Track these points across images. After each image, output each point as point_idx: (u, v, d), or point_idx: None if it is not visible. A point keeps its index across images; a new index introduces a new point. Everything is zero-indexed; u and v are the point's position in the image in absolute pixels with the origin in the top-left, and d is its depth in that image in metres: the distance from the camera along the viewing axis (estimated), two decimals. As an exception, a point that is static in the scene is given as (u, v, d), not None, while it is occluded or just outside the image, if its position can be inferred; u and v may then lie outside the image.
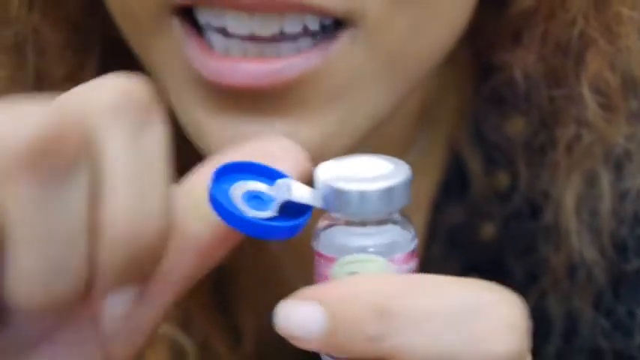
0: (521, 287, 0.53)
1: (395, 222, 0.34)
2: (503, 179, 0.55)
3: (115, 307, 0.32)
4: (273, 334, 0.60)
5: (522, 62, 0.51)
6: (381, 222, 0.34)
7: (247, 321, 0.60)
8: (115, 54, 0.51)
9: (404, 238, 0.34)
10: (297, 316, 0.33)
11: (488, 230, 0.55)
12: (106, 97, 0.31)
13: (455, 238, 0.56)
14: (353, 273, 0.33)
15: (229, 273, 0.60)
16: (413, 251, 0.34)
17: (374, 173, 0.34)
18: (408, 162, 0.54)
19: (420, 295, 0.32)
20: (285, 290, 0.58)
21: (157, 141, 0.32)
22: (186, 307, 0.57)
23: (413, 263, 0.34)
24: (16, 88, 0.51)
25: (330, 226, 0.34)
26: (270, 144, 0.35)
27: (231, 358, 0.59)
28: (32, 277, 0.30)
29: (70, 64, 0.51)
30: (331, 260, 0.34)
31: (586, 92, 0.51)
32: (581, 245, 0.52)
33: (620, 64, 0.51)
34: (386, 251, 0.33)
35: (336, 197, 0.33)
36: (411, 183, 0.34)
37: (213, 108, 0.45)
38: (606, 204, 0.52)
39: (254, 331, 0.60)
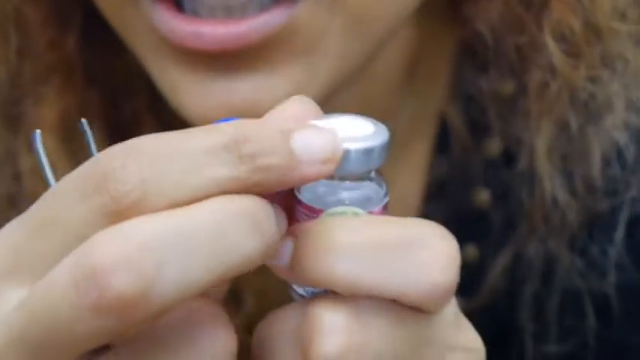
0: (502, 233, 0.56)
1: (370, 179, 0.37)
2: (493, 146, 0.57)
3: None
4: (275, 295, 0.62)
5: (487, 13, 0.53)
6: (358, 178, 0.36)
7: (249, 283, 0.62)
8: (95, 27, 0.53)
9: (377, 194, 0.37)
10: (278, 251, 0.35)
11: (482, 197, 0.57)
12: None
13: (448, 198, 0.58)
14: None
15: None
16: (384, 206, 0.37)
17: (356, 133, 0.36)
18: (398, 126, 0.57)
19: (366, 229, 0.35)
20: None
21: None
22: None
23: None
24: None
25: None
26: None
27: (232, 320, 0.62)
28: None
29: (50, 38, 0.54)
30: (317, 212, 0.36)
31: (549, 39, 0.52)
32: (554, 188, 0.54)
33: (582, 10, 0.53)
34: (360, 205, 0.36)
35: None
36: (390, 145, 0.36)
37: (184, 70, 0.47)
38: (576, 147, 0.54)
39: (255, 293, 0.62)
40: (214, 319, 0.35)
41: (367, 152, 0.35)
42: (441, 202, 0.58)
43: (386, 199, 0.37)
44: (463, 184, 0.57)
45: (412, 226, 0.35)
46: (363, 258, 0.34)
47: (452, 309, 0.37)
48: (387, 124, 0.56)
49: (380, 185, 0.37)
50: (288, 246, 0.35)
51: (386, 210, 0.37)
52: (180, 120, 0.52)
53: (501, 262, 0.56)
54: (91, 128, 0.56)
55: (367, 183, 0.37)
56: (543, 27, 0.52)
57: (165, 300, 0.31)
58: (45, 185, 0.57)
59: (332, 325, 0.34)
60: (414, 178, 0.58)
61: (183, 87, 0.48)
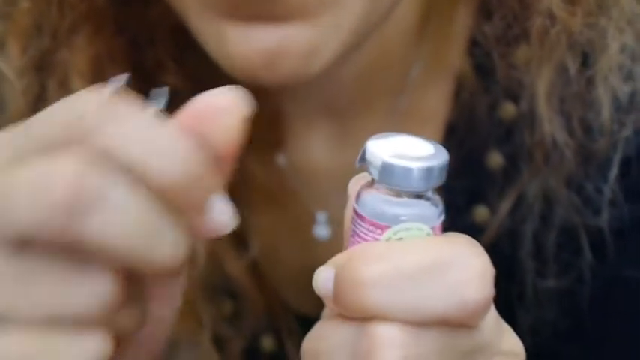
0: (505, 176, 0.58)
1: (427, 198, 0.38)
2: (497, 90, 0.59)
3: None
4: (279, 239, 0.65)
5: None
6: (416, 196, 0.38)
7: (255, 229, 0.65)
8: None
9: (433, 213, 0.38)
10: (319, 277, 0.39)
11: (495, 159, 0.60)
12: None
13: (461, 142, 0.60)
14: (400, 239, 0.38)
15: (237, 187, 0.65)
16: (441, 224, 0.39)
17: (417, 153, 0.38)
18: (413, 76, 0.59)
19: (398, 256, 0.37)
20: (290, 204, 0.63)
21: None
22: None
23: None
24: (34, 9, 0.57)
25: (369, 191, 0.39)
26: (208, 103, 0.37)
27: (237, 263, 0.64)
28: None
29: None
30: (382, 227, 0.38)
31: None
32: (553, 129, 0.56)
33: None
34: (416, 221, 0.38)
35: (385, 169, 0.38)
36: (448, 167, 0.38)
37: (225, 18, 0.50)
38: (573, 90, 0.56)
39: (259, 238, 0.65)
40: None
41: (428, 171, 0.37)
42: (454, 148, 0.60)
43: (442, 218, 0.39)
44: (473, 129, 0.60)
45: (442, 247, 0.37)
46: (396, 287, 0.36)
47: (492, 315, 0.39)
48: (402, 78, 0.60)
49: (436, 204, 0.39)
50: (331, 276, 0.38)
51: (441, 229, 0.39)
52: (200, 67, 0.55)
53: (506, 202, 0.58)
54: (116, 73, 0.59)
55: (424, 201, 0.38)
56: None
57: None
58: None
59: (390, 340, 0.36)
60: (433, 129, 0.61)
61: (229, 36, 0.50)
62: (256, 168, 0.63)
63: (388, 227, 0.38)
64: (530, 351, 0.41)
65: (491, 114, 0.59)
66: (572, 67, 0.56)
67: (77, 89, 0.58)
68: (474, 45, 0.59)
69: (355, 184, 0.40)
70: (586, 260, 0.57)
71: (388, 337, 0.36)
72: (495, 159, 0.59)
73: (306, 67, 0.50)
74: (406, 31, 0.60)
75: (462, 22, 0.60)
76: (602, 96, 0.56)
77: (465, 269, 0.37)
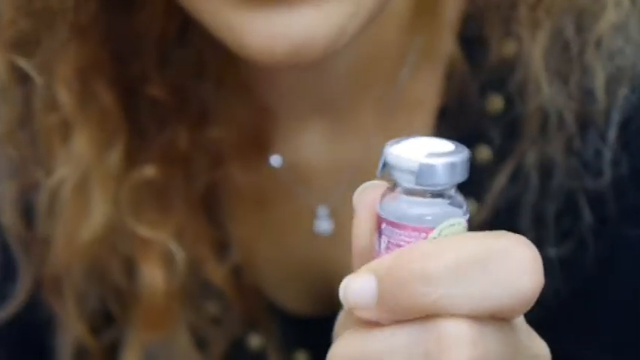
0: (508, 139, 0.58)
1: (450, 197, 0.38)
2: (493, 59, 0.58)
3: None
4: (261, 248, 0.65)
5: None
6: (438, 194, 0.38)
7: (236, 235, 0.65)
8: None
9: (464, 206, 0.38)
10: (355, 287, 0.38)
11: (493, 104, 0.59)
12: None
13: (460, 112, 0.60)
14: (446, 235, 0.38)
15: (223, 188, 0.65)
16: (467, 222, 0.38)
17: (438, 150, 0.38)
18: (407, 64, 0.59)
19: (450, 250, 0.37)
20: (285, 203, 0.63)
21: None
22: (179, 218, 0.62)
23: None
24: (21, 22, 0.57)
25: (399, 197, 0.39)
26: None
27: (218, 269, 0.64)
28: None
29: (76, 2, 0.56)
30: (426, 231, 0.38)
31: None
32: (552, 94, 0.56)
33: None
34: (440, 220, 0.38)
35: (424, 171, 0.37)
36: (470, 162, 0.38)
37: (246, 9, 0.49)
38: (570, 53, 0.56)
39: (242, 246, 0.65)
40: None
41: (452, 166, 0.37)
42: (453, 119, 0.60)
43: (467, 216, 0.38)
44: (469, 101, 0.59)
45: (492, 239, 0.37)
46: (457, 280, 0.36)
47: (521, 318, 0.39)
48: (396, 67, 0.59)
49: (460, 203, 0.38)
50: (373, 284, 0.37)
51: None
52: (183, 79, 0.54)
53: (507, 168, 0.58)
54: (101, 84, 0.59)
55: (453, 196, 0.38)
56: None
57: None
58: (62, 141, 0.61)
59: (460, 337, 0.36)
60: (427, 116, 0.61)
61: (246, 26, 0.49)
62: (240, 173, 0.63)
63: (432, 229, 0.38)
64: (535, 322, 0.41)
65: (484, 92, 0.59)
66: (569, 30, 0.56)
67: (62, 102, 0.59)
68: (467, 20, 0.59)
69: (363, 194, 0.40)
70: (587, 224, 0.57)
71: (458, 334, 0.36)
72: (493, 104, 0.59)
73: (329, 50, 0.49)
74: (399, 22, 0.59)
75: (453, 6, 0.59)
76: (600, 58, 0.55)
77: (519, 259, 0.37)
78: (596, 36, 0.56)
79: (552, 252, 0.57)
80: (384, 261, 0.37)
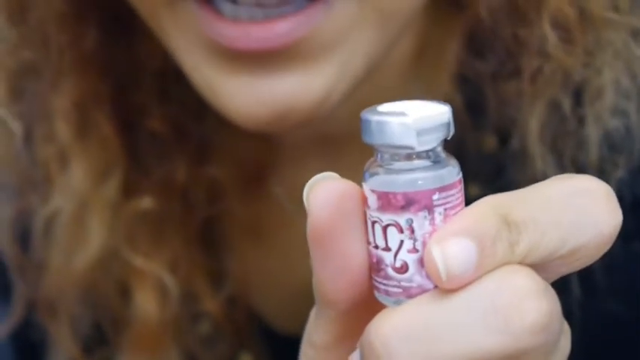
0: None
1: (438, 157, 0.35)
2: (489, 126, 0.58)
3: None
4: (258, 277, 0.65)
5: (488, 0, 0.55)
6: (426, 157, 0.35)
7: (231, 267, 0.65)
8: (112, 23, 0.56)
9: (450, 173, 0.35)
10: (455, 255, 0.33)
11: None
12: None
13: None
14: None
15: (221, 219, 0.65)
16: (460, 181, 0.35)
17: (418, 112, 0.35)
18: None
19: (529, 194, 0.35)
20: (276, 237, 0.64)
21: None
22: (174, 249, 0.63)
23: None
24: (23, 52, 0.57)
25: (375, 170, 0.35)
26: None
27: (212, 300, 0.64)
28: None
29: (72, 35, 0.57)
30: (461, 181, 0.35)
31: (547, 27, 0.55)
32: (546, 167, 0.56)
33: (578, 0, 0.55)
34: (449, 177, 0.35)
35: (384, 129, 0.35)
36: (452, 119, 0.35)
37: (227, 70, 0.50)
38: (567, 128, 0.56)
39: (238, 276, 0.65)
40: None
41: (436, 128, 0.34)
42: None
43: (459, 176, 0.35)
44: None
45: (565, 179, 0.36)
46: (540, 221, 0.34)
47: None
48: None
49: (452, 163, 0.35)
50: (472, 248, 0.34)
51: (461, 186, 0.35)
52: (182, 113, 0.55)
53: None
54: (101, 115, 0.59)
55: (444, 155, 0.35)
56: (542, 15, 0.54)
57: None
58: (59, 171, 0.61)
59: (538, 288, 0.34)
60: None
61: (226, 87, 0.50)
62: (239, 205, 0.64)
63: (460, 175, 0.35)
64: None
65: (479, 150, 0.59)
66: (567, 105, 0.56)
67: (60, 133, 0.59)
68: (464, 81, 0.59)
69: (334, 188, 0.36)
70: (575, 297, 0.57)
71: (534, 289, 0.34)
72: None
73: (315, 113, 0.49)
74: (401, 67, 0.59)
75: (453, 57, 0.59)
76: (595, 135, 0.56)
77: (596, 195, 0.36)
78: (595, 112, 0.56)
79: None
80: (466, 221, 0.34)
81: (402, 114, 0.35)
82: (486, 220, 0.34)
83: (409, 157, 0.35)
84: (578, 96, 0.56)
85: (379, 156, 0.35)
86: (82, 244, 0.62)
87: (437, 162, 0.35)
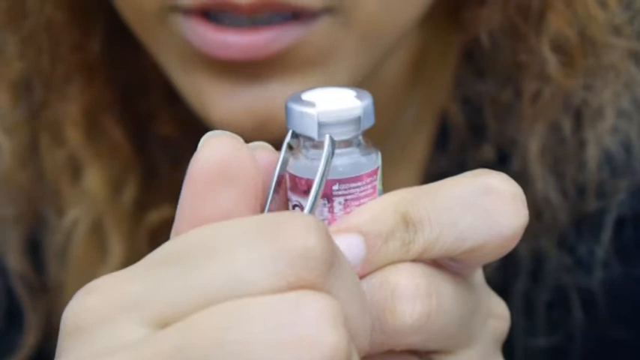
0: None
1: (358, 145, 0.36)
2: (488, 147, 0.59)
3: None
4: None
5: (487, 21, 0.55)
6: (347, 145, 0.35)
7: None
8: (116, 29, 0.56)
9: (368, 160, 0.36)
10: (342, 250, 0.33)
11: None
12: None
13: None
14: None
15: None
16: (376, 170, 0.36)
17: (339, 101, 0.35)
18: (401, 126, 0.59)
19: (433, 192, 0.35)
20: None
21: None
22: None
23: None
24: (25, 60, 0.58)
25: (295, 153, 0.36)
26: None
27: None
28: None
29: (76, 41, 0.57)
30: (374, 173, 0.36)
31: (546, 50, 0.55)
32: (546, 189, 0.56)
33: (579, 23, 0.55)
34: (352, 170, 0.35)
35: (292, 116, 0.35)
36: (375, 108, 0.36)
37: (211, 78, 0.50)
38: (568, 150, 0.56)
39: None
40: None
41: (342, 122, 0.35)
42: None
43: (374, 168, 0.36)
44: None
45: (476, 176, 0.36)
46: (437, 222, 0.34)
47: (480, 276, 0.38)
48: (390, 126, 0.59)
49: (370, 151, 0.36)
50: (360, 242, 0.34)
51: (377, 174, 0.36)
52: (192, 116, 0.55)
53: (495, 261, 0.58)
54: (110, 121, 0.59)
55: (356, 149, 0.36)
56: (541, 37, 0.55)
57: None
58: (71, 181, 0.59)
59: (414, 291, 0.34)
60: (413, 174, 0.61)
61: (210, 95, 0.50)
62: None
63: (377, 169, 0.36)
64: None
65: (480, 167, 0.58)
66: (567, 127, 0.56)
67: (71, 140, 0.59)
68: (464, 99, 0.59)
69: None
70: (576, 319, 0.57)
71: (411, 288, 0.34)
72: None
73: None
74: (395, 81, 0.59)
75: (453, 77, 0.59)
76: (596, 158, 0.56)
77: (501, 195, 0.35)
78: (596, 135, 0.56)
79: (541, 342, 0.58)
80: (361, 217, 0.34)
81: (312, 105, 0.35)
82: (383, 217, 0.34)
83: (315, 146, 0.35)
84: (578, 117, 0.56)
85: (298, 141, 0.36)
86: (103, 260, 0.60)
87: (344, 154, 0.35)
